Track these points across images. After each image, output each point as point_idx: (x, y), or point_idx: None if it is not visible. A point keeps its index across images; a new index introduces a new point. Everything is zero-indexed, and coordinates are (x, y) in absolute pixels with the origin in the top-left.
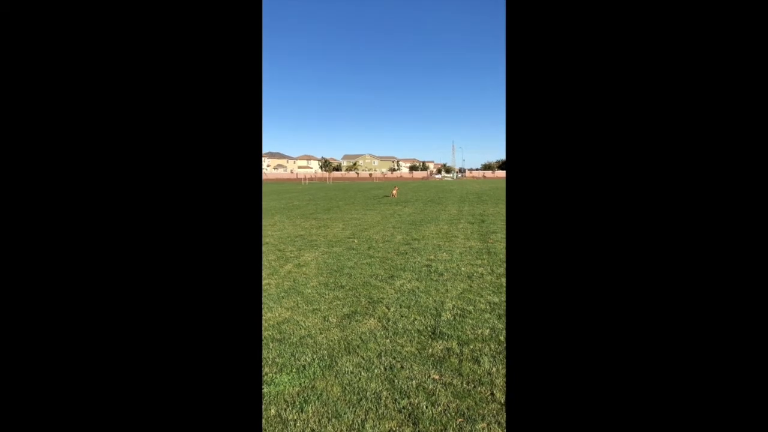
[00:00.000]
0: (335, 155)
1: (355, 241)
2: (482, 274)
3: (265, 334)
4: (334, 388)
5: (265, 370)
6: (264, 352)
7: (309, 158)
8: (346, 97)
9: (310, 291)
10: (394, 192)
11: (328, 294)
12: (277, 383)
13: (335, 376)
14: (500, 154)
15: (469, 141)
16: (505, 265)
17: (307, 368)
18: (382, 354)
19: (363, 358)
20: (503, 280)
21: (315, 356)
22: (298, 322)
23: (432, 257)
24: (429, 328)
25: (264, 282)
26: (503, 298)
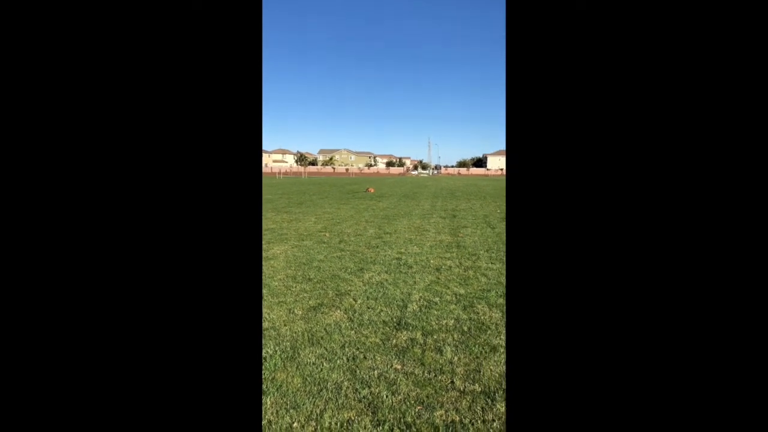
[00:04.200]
0: (311, 150)
1: (327, 234)
2: (450, 267)
3: None
4: (295, 379)
5: None
6: None
7: (284, 152)
8: (322, 92)
9: (276, 284)
10: (371, 189)
11: (295, 287)
12: None
13: (296, 368)
14: (475, 152)
15: (445, 138)
16: (473, 258)
17: (267, 360)
18: (346, 345)
19: (326, 350)
20: (470, 272)
21: (277, 348)
22: (264, 316)
23: (402, 250)
24: (394, 320)
25: None
26: (469, 290)
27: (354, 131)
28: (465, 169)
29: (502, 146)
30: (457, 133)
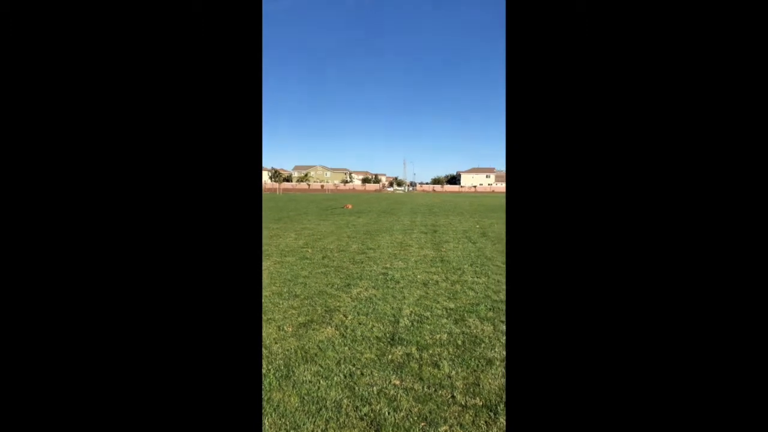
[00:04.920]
0: (285, 166)
1: (309, 250)
2: (437, 281)
3: None
4: (292, 399)
5: None
6: None
7: None
8: (297, 107)
9: (263, 301)
10: (348, 206)
11: (282, 303)
12: None
13: (293, 387)
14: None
15: (420, 156)
16: (458, 272)
17: (271, 381)
18: (341, 362)
19: (321, 367)
20: (458, 287)
21: (270, 366)
22: None
23: (388, 266)
24: (388, 335)
25: None
26: (459, 304)
27: (329, 147)
28: (439, 186)
29: (475, 164)
30: (431, 151)
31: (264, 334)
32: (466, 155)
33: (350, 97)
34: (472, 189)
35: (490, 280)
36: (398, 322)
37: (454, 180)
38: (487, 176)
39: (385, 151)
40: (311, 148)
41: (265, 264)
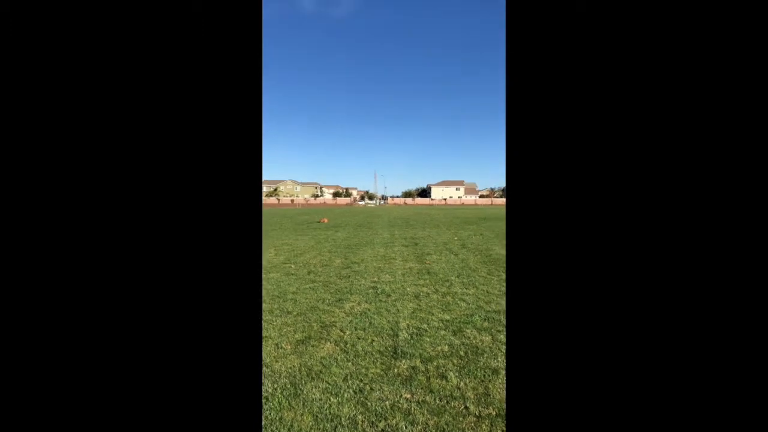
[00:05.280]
0: None
1: (292, 266)
2: (428, 294)
3: None
4: (305, 418)
5: None
6: None
7: None
8: (266, 121)
9: None
10: (324, 220)
11: (276, 320)
12: None
13: (303, 405)
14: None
15: (391, 169)
16: (446, 284)
17: (270, 399)
18: (348, 377)
19: (329, 384)
20: (449, 298)
21: (276, 386)
22: None
23: (376, 279)
24: (389, 348)
25: None
26: (453, 316)
27: (299, 162)
28: (410, 199)
29: (445, 177)
30: (402, 164)
31: (263, 352)
32: (435, 168)
33: (320, 110)
34: (443, 201)
35: (479, 291)
36: (397, 336)
37: (424, 193)
38: (456, 189)
39: (356, 165)
40: (280, 162)
41: None
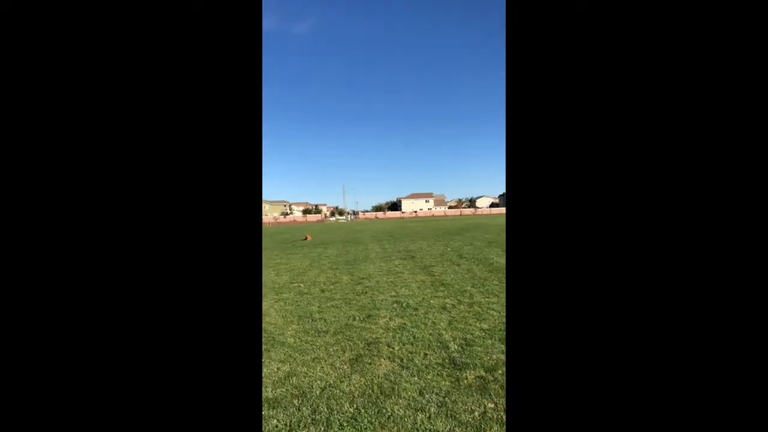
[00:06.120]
0: None
1: (301, 285)
2: (453, 305)
3: (278, 391)
4: None
5: (311, 429)
6: (291, 409)
7: None
8: None
9: (293, 340)
10: (308, 237)
11: (316, 341)
12: None
13: (393, 423)
14: (389, 197)
15: (361, 184)
16: (465, 294)
17: (359, 420)
18: (423, 392)
19: (407, 399)
20: (477, 308)
21: (357, 406)
22: (306, 373)
23: (394, 293)
24: (447, 361)
25: None
26: (491, 324)
27: (267, 180)
28: (381, 213)
29: (414, 190)
30: (371, 178)
31: (320, 374)
32: (404, 182)
33: (285, 128)
34: (413, 214)
35: (503, 300)
36: (448, 347)
37: (395, 206)
38: (426, 201)
39: (323, 181)
40: None
41: (266, 302)
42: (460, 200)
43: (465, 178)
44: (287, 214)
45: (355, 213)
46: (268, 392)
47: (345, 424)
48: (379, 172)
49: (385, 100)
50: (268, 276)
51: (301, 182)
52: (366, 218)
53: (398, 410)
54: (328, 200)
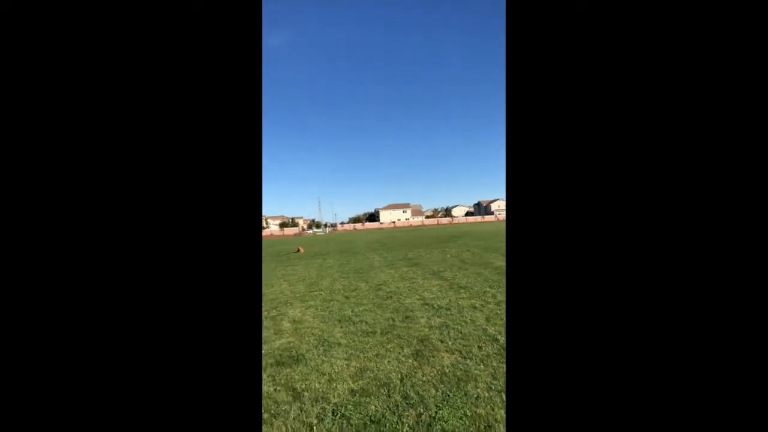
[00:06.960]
0: None
1: (323, 293)
2: (482, 305)
3: (359, 383)
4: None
5: (411, 411)
6: (382, 397)
7: None
8: None
9: (346, 341)
10: (301, 249)
11: (369, 340)
12: (444, 418)
13: (483, 402)
14: (367, 208)
15: (337, 197)
16: (487, 295)
17: (448, 401)
18: (496, 376)
19: (485, 383)
20: (503, 306)
21: (439, 390)
22: (376, 368)
23: (419, 297)
24: (503, 350)
25: (286, 340)
26: None
27: None
28: (360, 224)
29: (391, 201)
30: (346, 191)
31: (390, 367)
32: (381, 193)
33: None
34: (392, 224)
35: None
36: (497, 340)
37: (372, 217)
38: (403, 211)
39: (300, 195)
40: None
41: (296, 310)
42: (436, 210)
43: (440, 188)
44: (264, 227)
45: (333, 225)
46: (350, 383)
47: (441, 405)
48: (355, 184)
49: (361, 113)
50: (281, 286)
51: (276, 196)
52: (344, 230)
53: (481, 392)
54: (304, 213)
